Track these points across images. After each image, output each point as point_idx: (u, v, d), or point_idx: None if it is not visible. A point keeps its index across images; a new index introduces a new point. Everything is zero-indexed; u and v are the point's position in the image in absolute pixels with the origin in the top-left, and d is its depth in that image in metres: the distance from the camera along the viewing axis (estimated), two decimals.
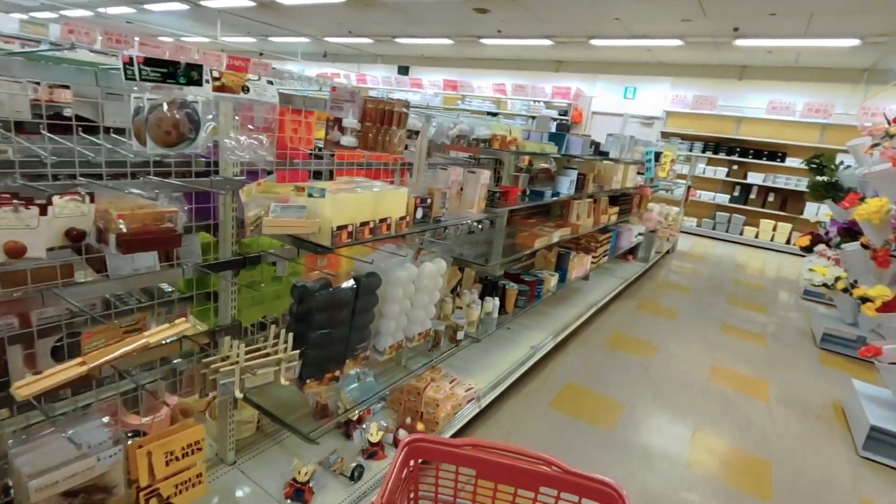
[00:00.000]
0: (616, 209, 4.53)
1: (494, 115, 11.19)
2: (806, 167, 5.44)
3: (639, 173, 5.01)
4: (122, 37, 8.28)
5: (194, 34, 13.64)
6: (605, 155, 3.94)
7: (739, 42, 7.28)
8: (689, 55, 9.03)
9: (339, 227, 1.55)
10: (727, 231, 9.75)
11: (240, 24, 11.19)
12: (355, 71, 13.96)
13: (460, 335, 2.44)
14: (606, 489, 1.10)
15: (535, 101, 11.79)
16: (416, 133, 2.00)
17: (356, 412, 2.11)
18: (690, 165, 7.54)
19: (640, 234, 5.95)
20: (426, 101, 13.48)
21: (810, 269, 4.52)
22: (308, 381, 1.66)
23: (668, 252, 7.78)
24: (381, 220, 1.71)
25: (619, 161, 4.37)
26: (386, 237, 1.78)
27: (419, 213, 1.92)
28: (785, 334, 4.82)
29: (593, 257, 4.18)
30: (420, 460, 1.24)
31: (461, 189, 2.29)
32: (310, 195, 1.53)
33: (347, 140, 1.76)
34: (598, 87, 11.24)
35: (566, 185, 3.35)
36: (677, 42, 7.72)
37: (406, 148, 1.90)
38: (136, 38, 7.92)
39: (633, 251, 6.22)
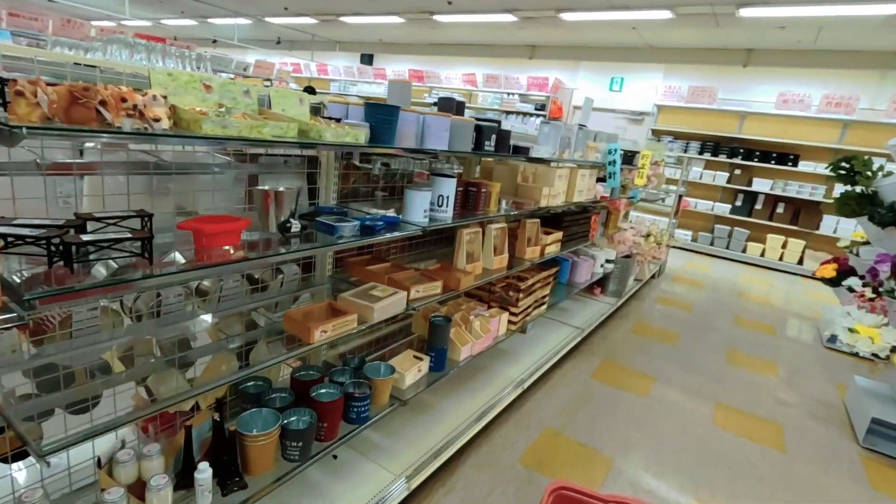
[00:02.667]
0: (557, 235, 3.05)
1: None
2: (830, 173, 3.93)
3: (600, 180, 3.53)
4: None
5: (133, 17, 12.21)
6: (522, 153, 2.45)
7: (744, 12, 5.77)
8: (683, 35, 7.53)
9: None
10: (728, 247, 8.24)
11: (171, 3, 9.75)
12: (311, 60, 12.48)
13: None
14: None
15: (508, 94, 10.30)
16: None
17: None
18: (683, 169, 6.06)
19: (608, 261, 4.47)
20: None
21: (850, 330, 3.02)
22: None
23: (653, 276, 6.28)
24: None
25: (561, 164, 2.89)
26: None
27: None
28: (808, 424, 3.31)
29: (514, 313, 2.70)
30: None
31: None
32: None
33: None
34: (580, 77, 9.75)
35: (416, 204, 1.86)
36: (667, 14, 6.22)
37: None
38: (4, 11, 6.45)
39: (601, 283, 4.73)
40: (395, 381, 2.01)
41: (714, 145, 8.26)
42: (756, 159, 7.91)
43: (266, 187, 1.61)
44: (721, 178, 8.23)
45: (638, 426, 2.91)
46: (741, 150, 8.02)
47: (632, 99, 9.22)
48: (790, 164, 7.66)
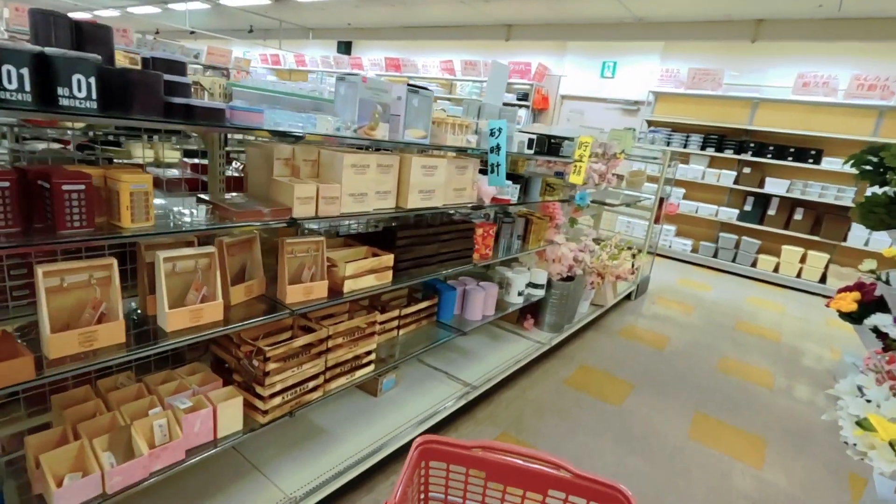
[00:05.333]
0: (385, 259, 1.94)
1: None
2: (851, 170, 2.69)
3: (482, 171, 2.39)
4: None
5: (100, 6, 11.58)
6: (283, 136, 1.35)
7: None
8: (679, 5, 6.25)
9: None
10: (734, 260, 6.90)
11: None
12: (280, 49, 11.57)
13: None
14: (614, 493, 1.10)
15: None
16: None
17: None
18: (664, 165, 4.81)
19: (533, 286, 3.31)
20: None
21: (860, 425, 1.80)
22: None
23: (629, 297, 5.07)
24: None
25: (385, 147, 1.79)
26: None
27: None
28: None
29: (260, 395, 1.60)
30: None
31: None
32: None
33: None
34: (567, 62, 8.53)
35: None
36: None
37: None
38: None
39: (535, 312, 3.58)
40: None
41: (719, 139, 6.93)
42: (769, 155, 6.55)
43: None
44: (727, 177, 6.90)
45: None
46: (751, 145, 6.68)
47: (626, 86, 7.96)
48: (811, 161, 6.29)
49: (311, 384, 1.76)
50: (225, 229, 1.41)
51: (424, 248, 2.16)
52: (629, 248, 4.57)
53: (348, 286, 1.79)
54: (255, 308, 1.60)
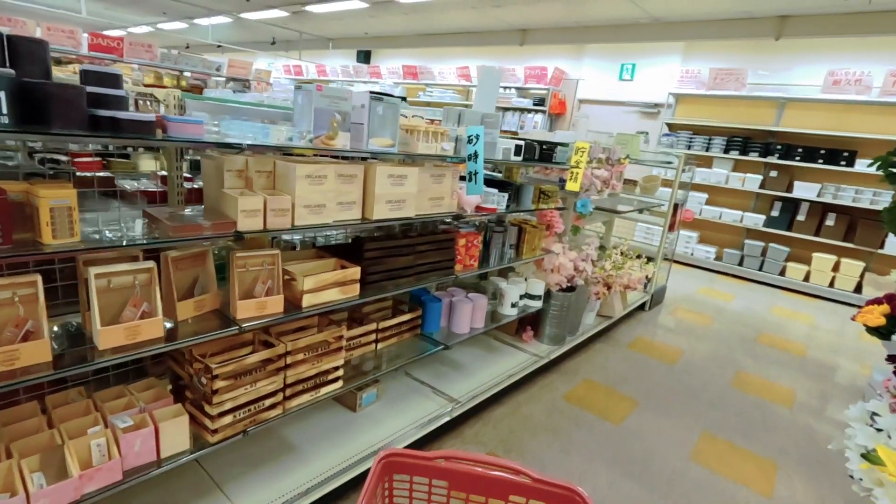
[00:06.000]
0: (351, 271, 1.87)
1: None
2: (878, 171, 2.49)
3: (462, 178, 2.30)
4: None
5: (131, 24, 12.07)
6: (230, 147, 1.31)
7: None
8: (698, 4, 6.03)
9: None
10: (761, 268, 6.56)
11: (152, 2, 9.33)
12: (301, 60, 11.78)
13: None
14: (572, 494, 1.14)
15: (504, 89, 9.06)
16: None
17: None
18: (678, 169, 4.59)
19: (529, 297, 3.19)
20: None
21: (867, 457, 1.62)
22: None
23: (642, 308, 4.87)
24: None
25: (352, 155, 1.73)
26: None
27: None
28: None
29: (209, 413, 1.56)
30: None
31: None
32: None
33: None
34: (585, 65, 8.35)
35: None
36: None
37: None
38: None
39: (535, 324, 3.46)
40: None
41: (743, 141, 6.63)
42: (798, 158, 6.22)
43: None
44: (752, 181, 6.58)
45: None
46: (778, 147, 6.36)
47: (645, 89, 7.72)
48: (844, 163, 5.94)
49: (269, 402, 1.70)
50: (170, 243, 1.37)
51: (398, 259, 2.08)
52: (639, 257, 4.38)
53: (308, 300, 1.73)
54: (205, 324, 1.55)
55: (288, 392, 1.77)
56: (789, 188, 6.39)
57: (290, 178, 1.59)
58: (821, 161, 6.08)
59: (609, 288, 3.88)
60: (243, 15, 8.99)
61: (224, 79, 9.11)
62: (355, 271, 1.88)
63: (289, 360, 1.74)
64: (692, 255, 7.04)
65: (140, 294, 1.38)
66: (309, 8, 7.98)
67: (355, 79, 11.65)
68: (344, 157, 2.03)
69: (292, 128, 1.60)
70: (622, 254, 4.09)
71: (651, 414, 3.07)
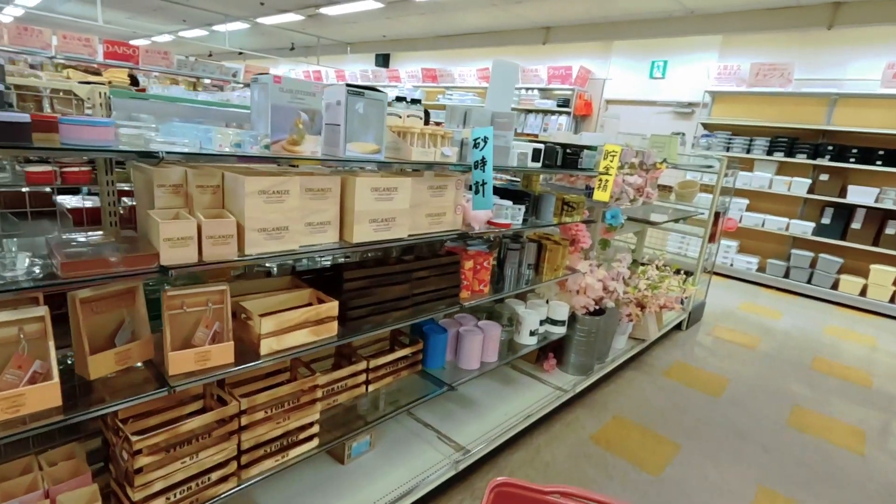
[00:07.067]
0: (326, 308, 1.52)
1: None
2: None
3: (469, 188, 1.92)
4: None
5: (155, 33, 12.13)
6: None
7: None
8: None
9: None
10: (810, 281, 5.97)
11: (171, 10, 9.27)
12: (319, 65, 11.61)
13: None
14: None
15: (527, 90, 8.65)
16: None
17: None
18: (720, 175, 4.10)
19: (551, 322, 2.78)
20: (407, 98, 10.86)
21: None
22: None
23: (680, 327, 4.39)
24: None
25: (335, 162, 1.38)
26: None
27: None
28: None
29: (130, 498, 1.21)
30: None
31: None
32: None
33: None
34: (612, 64, 7.87)
35: None
36: None
37: None
38: None
39: (558, 350, 3.05)
40: None
41: (789, 142, 6.05)
42: (853, 160, 5.62)
43: None
44: (800, 185, 6.00)
45: None
46: (830, 148, 5.77)
47: (678, 87, 7.20)
48: None
49: (217, 474, 1.36)
50: (59, 285, 1.04)
51: (388, 289, 1.72)
52: (678, 272, 3.92)
53: (268, 346, 1.38)
54: (130, 381, 1.22)
55: (244, 459, 1.42)
56: (842, 193, 5.79)
57: (239, 194, 1.25)
58: (879, 163, 5.47)
59: (643, 308, 3.43)
60: (259, 20, 8.83)
61: (242, 84, 8.98)
62: (331, 307, 1.53)
63: (244, 420, 1.39)
64: (732, 265, 6.47)
65: (27, 351, 1.06)
66: (324, 10, 7.74)
67: (374, 83, 11.42)
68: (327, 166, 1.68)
69: (248, 131, 1.26)
70: (658, 269, 3.63)
71: (696, 460, 2.62)
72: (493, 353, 2.40)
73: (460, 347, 2.28)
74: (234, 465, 1.40)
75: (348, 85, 1.43)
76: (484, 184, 1.78)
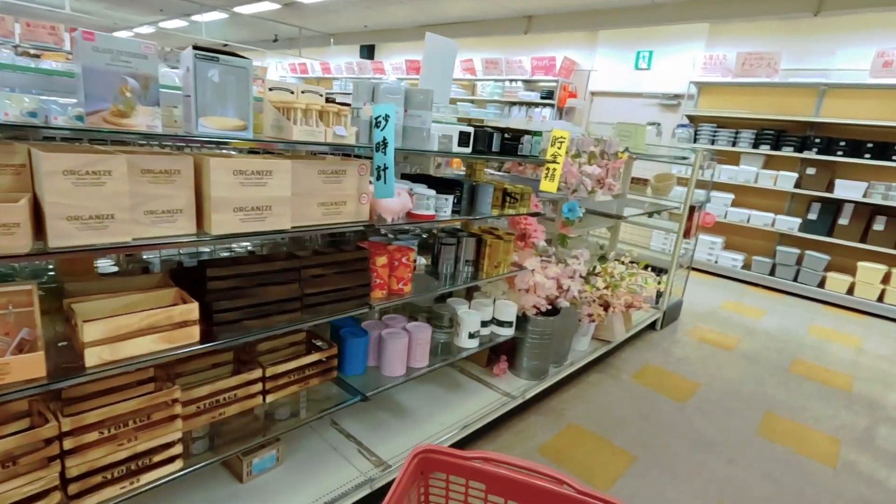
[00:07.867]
0: (182, 310, 1.31)
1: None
2: None
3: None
4: None
5: (135, 24, 11.89)
6: None
7: None
8: None
9: None
10: (796, 279, 5.75)
11: (147, 2, 9.04)
12: (300, 57, 11.37)
13: None
14: None
15: (510, 82, 8.42)
16: None
17: None
18: (695, 167, 3.88)
19: (497, 322, 2.56)
20: None
21: None
22: None
23: (654, 325, 4.18)
24: None
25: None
26: None
27: None
28: None
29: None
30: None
31: None
32: None
33: None
34: (597, 55, 7.63)
35: None
36: None
37: None
38: None
39: (510, 354, 2.83)
40: None
41: (776, 134, 5.82)
42: (841, 153, 5.39)
43: None
44: (786, 179, 5.77)
45: None
46: (817, 141, 5.54)
47: (664, 78, 6.96)
48: (895, 159, 5.09)
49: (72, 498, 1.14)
50: None
51: (270, 290, 1.50)
52: (647, 268, 3.70)
53: (96, 356, 1.17)
54: None
55: (74, 488, 1.21)
56: (830, 187, 5.56)
57: (40, 173, 1.03)
58: (868, 156, 5.24)
59: (607, 309, 3.21)
60: (237, 9, 8.59)
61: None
62: (188, 310, 1.31)
63: (68, 444, 1.17)
64: (716, 262, 6.25)
65: None
66: None
67: (360, 75, 11.18)
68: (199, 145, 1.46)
69: (35, 97, 1.04)
70: (623, 264, 3.41)
71: (652, 474, 2.40)
72: (424, 357, 2.18)
73: (382, 352, 2.06)
74: (57, 496, 1.18)
75: (196, 48, 1.21)
76: (385, 168, 1.56)
